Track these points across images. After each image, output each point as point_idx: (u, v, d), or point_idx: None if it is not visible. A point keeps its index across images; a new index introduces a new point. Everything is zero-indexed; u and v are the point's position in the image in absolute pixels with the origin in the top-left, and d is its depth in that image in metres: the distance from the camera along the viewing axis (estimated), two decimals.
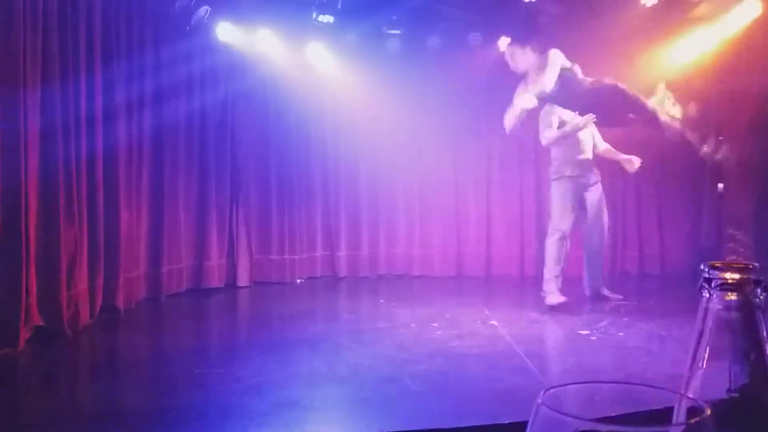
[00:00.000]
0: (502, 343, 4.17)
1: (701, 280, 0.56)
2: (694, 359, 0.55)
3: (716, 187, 6.71)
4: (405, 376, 3.43)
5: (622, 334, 4.37)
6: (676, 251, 7.10)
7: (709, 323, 0.55)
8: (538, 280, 7.06)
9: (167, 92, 5.90)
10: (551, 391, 0.53)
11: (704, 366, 0.54)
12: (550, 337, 4.36)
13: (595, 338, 4.27)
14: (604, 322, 4.69)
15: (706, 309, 0.55)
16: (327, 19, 6.35)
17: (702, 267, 0.56)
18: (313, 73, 6.93)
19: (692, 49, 6.35)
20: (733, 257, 6.43)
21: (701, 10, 6.22)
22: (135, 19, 5.33)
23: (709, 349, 0.54)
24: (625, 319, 4.84)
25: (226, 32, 6.28)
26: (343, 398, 3.20)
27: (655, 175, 6.96)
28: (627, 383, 0.52)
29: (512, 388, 3.26)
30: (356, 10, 6.22)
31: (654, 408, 0.52)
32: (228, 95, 6.62)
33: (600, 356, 3.95)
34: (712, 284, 0.55)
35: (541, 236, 7.34)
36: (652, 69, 6.06)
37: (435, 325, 4.73)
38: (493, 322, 4.78)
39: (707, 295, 0.55)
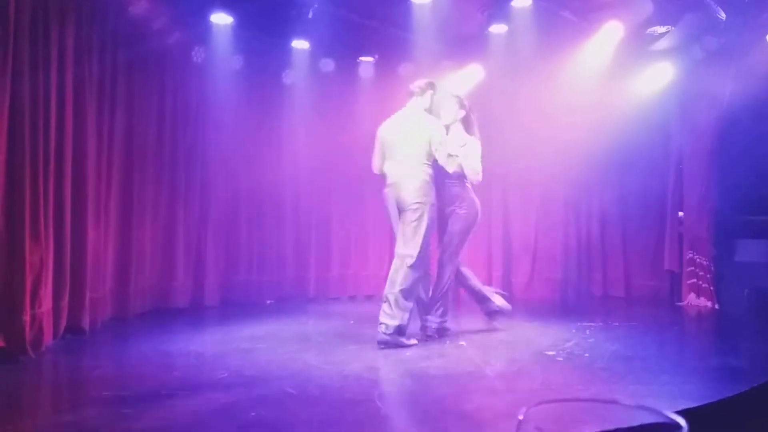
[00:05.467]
0: (470, 363, 4.21)
1: None
2: None
3: (677, 213, 6.92)
4: (374, 397, 3.43)
5: (587, 354, 4.45)
6: (639, 274, 7.27)
7: None
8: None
9: (137, 111, 5.86)
10: (534, 408, 0.56)
11: None
12: (517, 357, 4.41)
13: (561, 359, 4.33)
14: (570, 343, 4.77)
15: None
16: (302, 45, 6.56)
17: None
18: (287, 95, 6.98)
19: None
20: (693, 280, 6.62)
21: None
22: (108, 43, 5.29)
23: None
24: (591, 340, 4.93)
25: (200, 55, 6.32)
26: (311, 420, 3.19)
27: (620, 201, 7.16)
28: (610, 401, 0.56)
29: (481, 408, 3.30)
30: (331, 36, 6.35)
31: (630, 425, 0.56)
32: (199, 115, 6.61)
33: (567, 376, 4.01)
34: None
35: (509, 257, 7.46)
36: None
37: None
38: (461, 343, 4.82)
39: None
